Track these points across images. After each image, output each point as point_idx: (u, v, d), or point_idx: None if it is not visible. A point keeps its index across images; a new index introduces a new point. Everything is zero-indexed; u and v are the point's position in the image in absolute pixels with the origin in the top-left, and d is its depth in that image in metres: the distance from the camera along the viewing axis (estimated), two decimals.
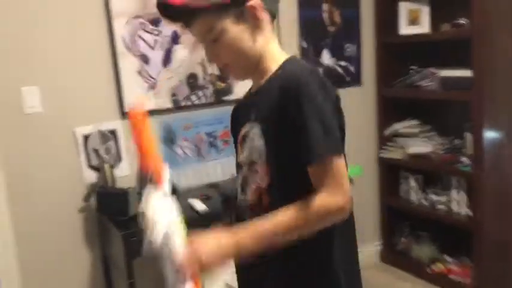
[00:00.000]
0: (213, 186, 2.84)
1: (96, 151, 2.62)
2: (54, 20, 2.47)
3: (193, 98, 2.84)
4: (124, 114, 2.65)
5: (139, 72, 2.67)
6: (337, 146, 1.15)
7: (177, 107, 2.80)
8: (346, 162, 1.19)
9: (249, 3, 1.17)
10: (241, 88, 2.92)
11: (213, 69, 2.87)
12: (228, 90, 2.94)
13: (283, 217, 1.13)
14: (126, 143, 2.69)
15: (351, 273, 1.27)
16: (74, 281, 2.64)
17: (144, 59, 2.67)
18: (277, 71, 1.23)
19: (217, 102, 2.92)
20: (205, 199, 2.58)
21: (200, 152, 2.91)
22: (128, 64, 2.63)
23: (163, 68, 2.72)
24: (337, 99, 1.21)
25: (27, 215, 2.49)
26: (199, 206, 2.42)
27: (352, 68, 3.35)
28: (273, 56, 1.25)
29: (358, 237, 1.33)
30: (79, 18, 2.52)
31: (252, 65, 1.24)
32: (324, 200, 1.11)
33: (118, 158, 2.68)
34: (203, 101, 2.87)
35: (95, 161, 2.62)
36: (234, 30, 1.18)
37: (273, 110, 1.17)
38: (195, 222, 2.30)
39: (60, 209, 2.56)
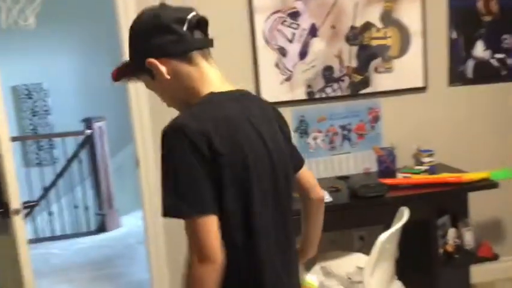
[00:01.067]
0: (344, 178, 2.84)
1: None
2: None
3: (328, 90, 2.86)
4: None
5: (277, 65, 2.78)
6: (188, 206, 1.12)
7: (312, 99, 2.85)
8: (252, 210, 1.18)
9: (147, 61, 1.20)
10: (380, 81, 2.88)
11: (351, 62, 2.85)
12: (365, 83, 2.89)
13: None
14: None
15: None
16: None
17: (282, 52, 2.78)
18: None
19: (353, 95, 2.90)
20: (333, 191, 2.60)
21: (333, 144, 2.93)
22: (266, 57, 2.76)
23: (299, 61, 2.80)
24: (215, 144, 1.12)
25: None
26: (325, 197, 2.44)
27: (510, 61, 3.01)
28: (198, 95, 1.23)
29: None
30: (223, 13, 2.71)
31: (182, 105, 1.26)
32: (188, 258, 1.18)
33: None
34: (338, 93, 2.87)
35: None
36: (153, 84, 1.26)
37: None
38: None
39: None
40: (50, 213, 5.31)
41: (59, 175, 5.52)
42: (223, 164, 1.13)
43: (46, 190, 5.44)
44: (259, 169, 1.20)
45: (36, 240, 5.05)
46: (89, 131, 5.17)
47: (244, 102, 1.27)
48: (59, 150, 5.80)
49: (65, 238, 5.09)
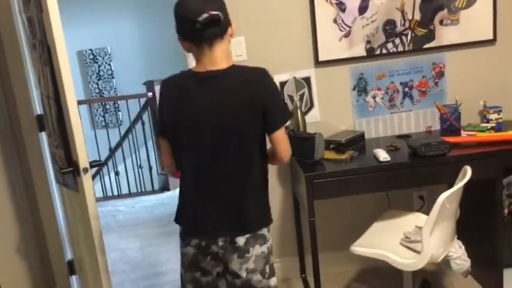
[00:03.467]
0: (403, 137, 2.76)
1: (290, 97, 2.80)
2: None
3: (389, 45, 2.75)
4: (318, 63, 2.75)
5: (335, 21, 2.70)
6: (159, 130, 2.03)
7: (371, 56, 2.76)
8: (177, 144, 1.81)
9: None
10: (445, 34, 2.73)
11: (414, 15, 2.72)
12: (430, 37, 2.75)
13: None
14: (318, 91, 2.80)
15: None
16: None
17: (340, 7, 2.69)
18: None
19: (416, 50, 2.77)
20: (392, 150, 2.54)
21: (393, 102, 2.84)
22: (324, 13, 2.68)
23: (359, 16, 2.70)
24: (166, 99, 1.79)
25: None
26: (383, 156, 2.41)
27: None
28: (193, 67, 1.81)
29: None
30: None
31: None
32: None
33: (310, 105, 2.82)
34: (400, 49, 2.76)
35: (289, 106, 2.81)
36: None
37: None
38: (373, 171, 2.36)
39: None
40: (117, 173, 5.58)
41: (124, 136, 5.75)
42: (163, 116, 1.82)
43: (112, 151, 5.71)
44: (192, 129, 1.72)
45: (105, 199, 5.35)
46: (150, 94, 5.31)
47: (208, 81, 1.70)
48: (123, 112, 6.03)
49: (130, 196, 5.36)
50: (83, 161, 1.99)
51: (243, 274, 1.77)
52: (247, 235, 1.76)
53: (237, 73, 1.72)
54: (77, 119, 1.96)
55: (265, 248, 1.80)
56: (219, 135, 1.71)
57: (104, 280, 2.11)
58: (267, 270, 1.81)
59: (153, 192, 5.44)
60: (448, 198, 2.05)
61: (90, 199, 2.02)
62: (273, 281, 1.84)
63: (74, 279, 2.82)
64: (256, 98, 1.69)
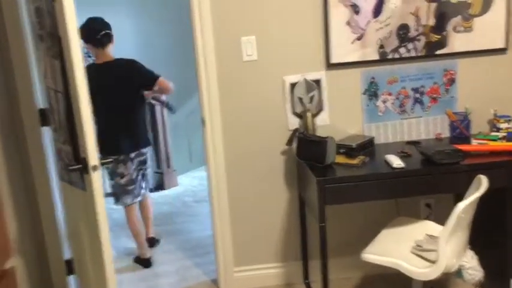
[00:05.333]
0: (414, 143, 2.73)
1: (300, 99, 2.75)
2: None
3: (402, 50, 2.72)
4: (330, 65, 2.71)
5: (348, 23, 2.66)
6: None
7: (384, 60, 2.72)
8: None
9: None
10: (457, 41, 2.70)
11: (428, 20, 2.68)
12: (442, 43, 2.73)
13: None
14: (329, 94, 2.75)
15: None
16: (271, 212, 2.90)
17: (355, 9, 2.64)
18: None
19: (429, 55, 2.74)
20: (404, 156, 2.51)
21: (403, 107, 2.81)
22: (338, 15, 2.64)
23: (373, 19, 2.66)
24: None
25: (236, 149, 2.80)
26: (396, 162, 2.37)
27: None
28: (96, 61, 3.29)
29: None
30: None
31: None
32: None
33: (320, 108, 2.77)
34: (412, 54, 2.73)
35: (298, 109, 2.76)
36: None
37: None
38: (387, 177, 2.32)
39: (264, 149, 2.81)
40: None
41: None
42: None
43: None
44: (100, 89, 2.90)
45: None
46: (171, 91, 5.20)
47: (105, 65, 3.18)
48: None
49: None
50: (93, 158, 1.91)
51: None
52: None
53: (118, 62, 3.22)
54: (88, 114, 1.89)
55: None
56: None
57: (109, 281, 2.04)
58: None
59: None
60: (464, 208, 2.02)
61: (99, 197, 1.95)
62: None
63: (71, 279, 2.73)
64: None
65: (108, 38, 3.18)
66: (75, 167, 1.95)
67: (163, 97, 3.70)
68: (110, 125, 3.21)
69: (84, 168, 1.93)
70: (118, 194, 3.36)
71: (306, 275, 2.96)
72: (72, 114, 1.95)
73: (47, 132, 2.54)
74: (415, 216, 2.78)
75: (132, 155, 3.27)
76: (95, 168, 1.91)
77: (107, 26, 3.20)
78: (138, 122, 3.31)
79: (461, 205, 2.00)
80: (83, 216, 2.20)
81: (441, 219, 2.52)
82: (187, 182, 5.41)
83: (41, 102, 2.52)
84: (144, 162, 3.39)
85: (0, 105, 2.39)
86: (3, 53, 2.45)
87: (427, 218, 2.87)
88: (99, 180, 1.95)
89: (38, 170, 2.56)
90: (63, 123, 2.12)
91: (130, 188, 3.33)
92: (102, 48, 3.16)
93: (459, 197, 2.63)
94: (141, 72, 3.21)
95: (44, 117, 2.50)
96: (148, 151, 3.41)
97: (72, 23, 1.82)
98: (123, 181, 3.30)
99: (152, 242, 3.72)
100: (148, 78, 3.20)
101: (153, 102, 4.09)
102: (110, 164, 2.98)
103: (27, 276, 2.46)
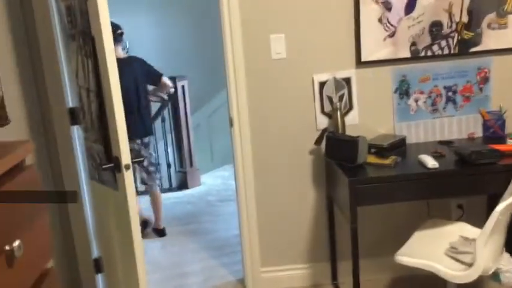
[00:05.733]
0: (446, 143, 2.67)
1: (329, 98, 2.71)
2: None
3: (435, 48, 2.66)
4: (360, 63, 2.66)
5: (380, 20, 2.61)
6: None
7: (416, 57, 2.67)
8: None
9: None
10: (492, 38, 2.63)
11: (461, 17, 2.62)
12: (476, 41, 2.66)
13: None
14: (358, 92, 2.71)
15: None
16: (299, 212, 2.87)
17: (387, 6, 2.59)
18: None
19: (462, 53, 2.68)
20: (437, 156, 2.45)
21: (435, 106, 2.74)
22: (369, 11, 2.59)
23: (405, 16, 2.61)
24: None
25: (263, 148, 2.77)
26: (431, 162, 2.31)
27: None
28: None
29: None
30: None
31: None
32: None
33: (349, 107, 2.73)
34: (445, 51, 2.66)
35: (327, 108, 2.72)
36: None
37: None
38: (421, 178, 2.27)
39: (292, 148, 2.77)
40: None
41: None
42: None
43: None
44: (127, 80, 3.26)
45: None
46: (172, 89, 5.21)
47: (127, 60, 3.63)
48: None
49: (148, 193, 5.26)
50: (125, 157, 1.91)
51: None
52: None
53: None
54: (121, 113, 1.88)
55: None
56: None
57: (141, 281, 2.03)
58: None
59: (170, 189, 5.35)
60: (502, 210, 1.96)
61: (131, 196, 1.94)
62: None
63: (99, 277, 2.74)
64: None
65: (121, 37, 3.64)
66: (107, 166, 1.94)
67: (165, 95, 4.30)
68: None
69: (116, 167, 1.92)
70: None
71: (334, 276, 2.91)
72: (105, 113, 1.94)
73: (76, 131, 2.54)
74: (446, 217, 2.72)
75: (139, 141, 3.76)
76: (127, 167, 1.90)
77: (119, 26, 3.60)
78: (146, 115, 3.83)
79: (500, 207, 1.95)
80: (114, 215, 2.19)
81: (473, 221, 2.46)
82: (211, 182, 5.40)
83: (70, 101, 2.53)
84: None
85: (30, 104, 2.40)
86: (33, 52, 2.47)
87: (459, 219, 2.80)
88: (131, 179, 1.94)
89: (67, 168, 2.57)
90: (95, 122, 2.12)
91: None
92: (115, 45, 3.39)
93: (492, 198, 2.57)
94: (150, 69, 3.81)
95: (74, 116, 2.51)
96: (151, 141, 3.87)
97: (106, 22, 1.82)
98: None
99: (163, 233, 3.97)
100: (156, 75, 3.85)
101: (154, 99, 4.35)
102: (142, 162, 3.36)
103: (57, 275, 2.48)
